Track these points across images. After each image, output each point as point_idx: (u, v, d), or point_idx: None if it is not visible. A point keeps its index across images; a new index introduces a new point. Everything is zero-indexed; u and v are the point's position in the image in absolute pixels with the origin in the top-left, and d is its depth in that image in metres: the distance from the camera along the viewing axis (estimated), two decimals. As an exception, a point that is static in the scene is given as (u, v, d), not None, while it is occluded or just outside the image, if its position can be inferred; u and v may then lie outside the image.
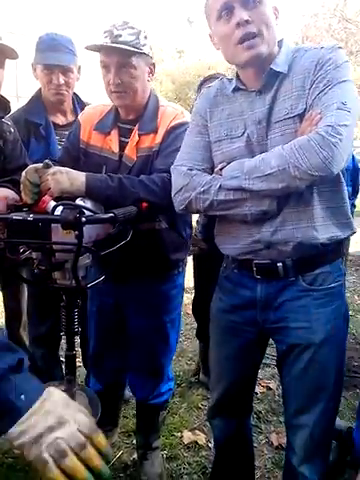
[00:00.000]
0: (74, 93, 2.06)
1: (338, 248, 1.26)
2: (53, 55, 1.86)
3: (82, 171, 1.40)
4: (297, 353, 1.26)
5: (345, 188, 1.25)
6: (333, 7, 14.53)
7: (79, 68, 1.99)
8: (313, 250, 1.20)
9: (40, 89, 2.00)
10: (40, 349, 2.08)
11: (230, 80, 1.32)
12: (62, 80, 1.90)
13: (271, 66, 1.19)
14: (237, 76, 1.28)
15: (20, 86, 10.33)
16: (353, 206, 2.93)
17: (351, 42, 14.72)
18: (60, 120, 2.02)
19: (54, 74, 1.89)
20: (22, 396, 0.64)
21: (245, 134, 1.24)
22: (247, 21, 1.12)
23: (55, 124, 1.99)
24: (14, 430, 0.62)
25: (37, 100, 2.00)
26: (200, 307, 1.91)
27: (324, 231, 1.19)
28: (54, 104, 1.99)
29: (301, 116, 1.14)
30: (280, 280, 1.25)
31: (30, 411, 0.63)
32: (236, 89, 1.27)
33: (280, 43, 1.24)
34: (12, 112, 1.76)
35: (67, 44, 1.89)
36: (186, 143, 1.36)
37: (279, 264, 1.23)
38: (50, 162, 1.31)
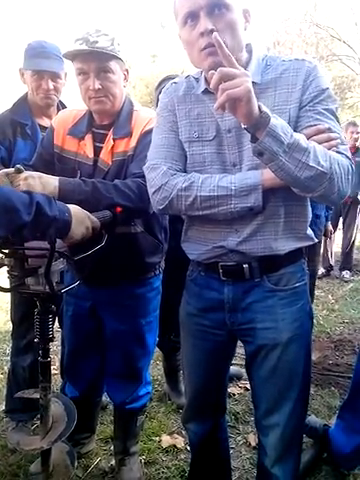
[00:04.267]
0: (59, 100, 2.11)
1: (300, 250, 1.28)
2: (43, 61, 1.91)
3: (56, 176, 1.38)
4: (264, 354, 1.27)
5: (309, 204, 1.28)
6: (303, 12, 14.82)
7: (66, 75, 2.04)
8: (274, 256, 1.23)
9: (26, 93, 2.04)
10: (28, 357, 2.06)
11: (197, 80, 1.29)
12: (51, 85, 1.95)
13: None
14: (205, 79, 1.24)
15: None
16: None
17: (321, 47, 15.04)
18: (45, 123, 2.04)
19: (44, 79, 1.94)
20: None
21: (216, 139, 1.23)
22: (212, 30, 1.09)
23: (40, 126, 2.02)
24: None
25: (23, 103, 2.04)
26: (163, 313, 1.90)
27: (284, 243, 1.22)
28: (41, 108, 2.03)
29: None
30: (246, 281, 1.26)
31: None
32: (205, 92, 1.24)
33: (248, 47, 1.23)
34: None
35: (55, 51, 1.94)
36: (159, 139, 1.30)
37: (245, 265, 1.24)
38: (22, 167, 1.29)
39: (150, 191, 1.27)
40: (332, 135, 1.12)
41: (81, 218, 1.21)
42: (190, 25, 1.14)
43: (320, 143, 1.09)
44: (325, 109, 1.15)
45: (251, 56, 1.22)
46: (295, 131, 1.14)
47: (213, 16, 1.10)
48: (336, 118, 1.17)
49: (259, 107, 1.00)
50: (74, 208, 1.20)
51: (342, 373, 2.70)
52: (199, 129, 1.25)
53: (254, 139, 1.02)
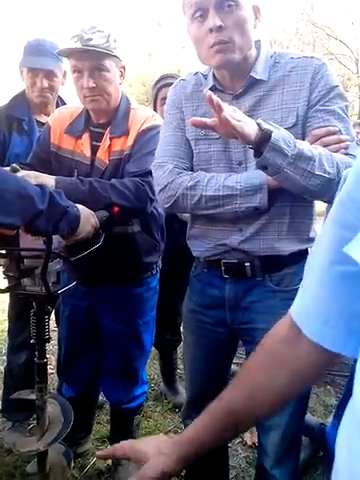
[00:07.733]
0: (59, 96, 2.09)
1: (305, 250, 1.27)
2: (38, 59, 1.91)
3: (53, 175, 1.37)
4: None
5: (314, 207, 1.27)
6: (300, 11, 14.83)
7: (65, 73, 2.03)
8: (277, 256, 1.22)
9: (24, 89, 2.03)
10: (23, 354, 2.04)
11: (205, 77, 1.28)
12: (46, 83, 1.94)
13: (251, 74, 1.17)
14: (214, 75, 1.24)
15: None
16: None
17: (318, 46, 15.07)
18: (44, 119, 2.02)
19: (38, 77, 1.93)
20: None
21: (222, 138, 1.20)
22: (220, 27, 1.08)
23: (38, 122, 2.01)
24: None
25: (21, 98, 2.03)
26: (160, 312, 1.89)
27: (288, 244, 1.21)
28: (38, 105, 2.03)
29: (290, 129, 1.10)
30: (248, 280, 1.26)
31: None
32: (213, 89, 1.22)
33: (257, 44, 1.21)
34: None
35: (52, 49, 1.91)
36: (166, 137, 1.30)
37: (247, 264, 1.24)
38: (17, 166, 1.28)
39: (156, 189, 1.28)
40: (342, 137, 1.10)
41: (87, 215, 1.22)
42: (199, 20, 1.12)
43: (329, 145, 1.08)
44: (335, 108, 1.13)
45: (259, 52, 1.20)
46: (304, 131, 1.14)
47: (222, 12, 1.09)
48: (347, 117, 1.15)
49: (259, 125, 0.98)
50: (80, 205, 1.20)
51: (338, 372, 2.69)
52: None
53: (257, 154, 1.01)
